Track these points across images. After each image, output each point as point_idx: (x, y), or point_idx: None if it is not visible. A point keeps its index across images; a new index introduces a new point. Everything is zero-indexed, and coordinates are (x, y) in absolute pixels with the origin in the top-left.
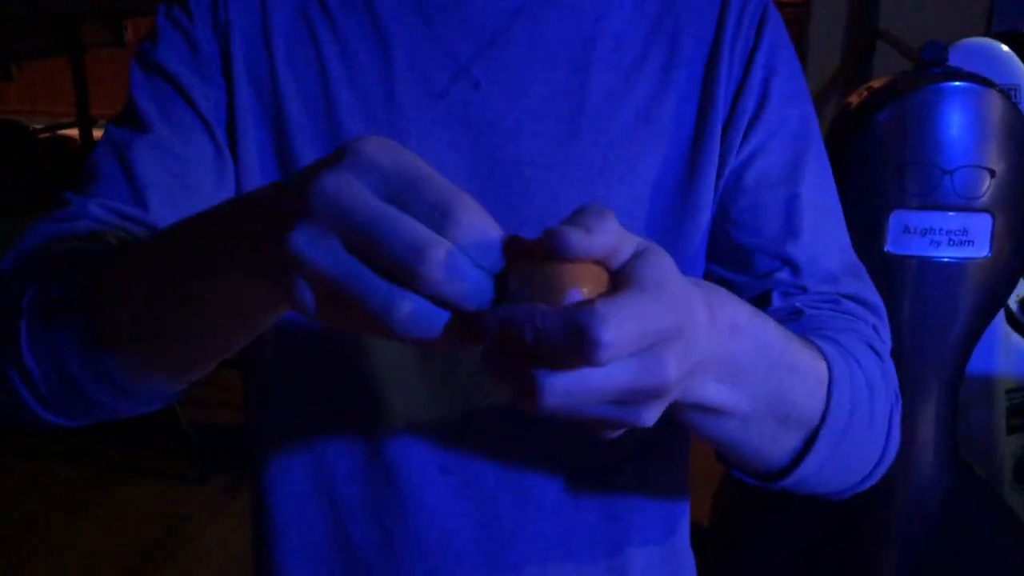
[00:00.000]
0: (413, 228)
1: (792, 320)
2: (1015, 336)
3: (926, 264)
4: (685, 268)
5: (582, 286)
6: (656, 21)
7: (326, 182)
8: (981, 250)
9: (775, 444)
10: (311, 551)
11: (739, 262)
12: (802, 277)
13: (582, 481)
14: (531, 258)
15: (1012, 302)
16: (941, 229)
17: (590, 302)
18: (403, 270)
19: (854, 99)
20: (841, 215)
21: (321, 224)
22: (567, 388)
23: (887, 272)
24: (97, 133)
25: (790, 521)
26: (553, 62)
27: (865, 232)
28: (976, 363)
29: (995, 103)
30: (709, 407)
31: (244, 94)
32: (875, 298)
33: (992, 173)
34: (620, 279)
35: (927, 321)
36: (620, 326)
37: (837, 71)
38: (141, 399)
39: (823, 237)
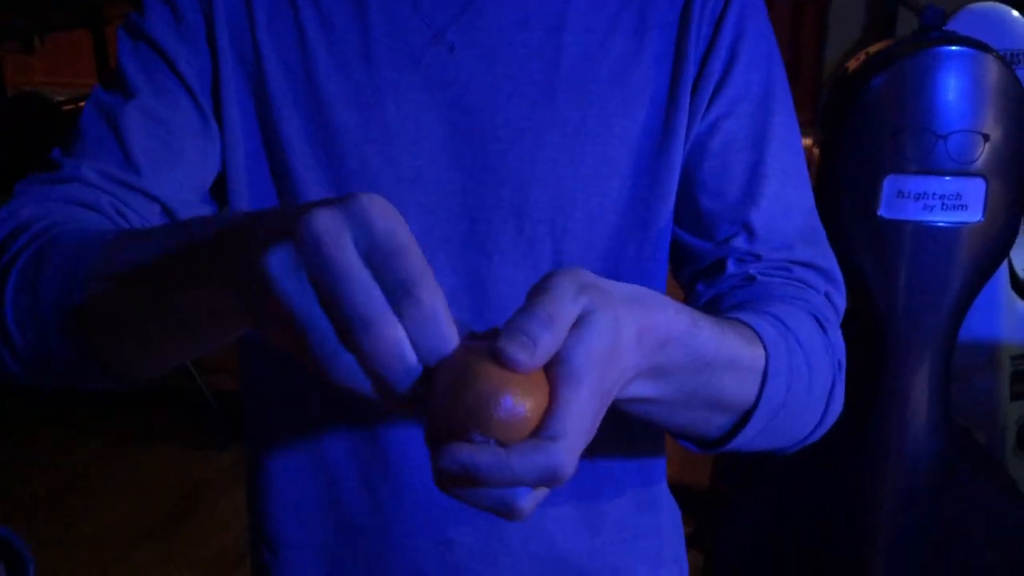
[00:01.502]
0: (373, 299)
1: (744, 286)
2: (1020, 303)
3: (920, 228)
4: (659, 232)
5: (515, 393)
6: None
7: (319, 218)
8: (975, 214)
9: (705, 423)
10: (301, 506)
11: (701, 226)
12: (757, 244)
13: None
14: (464, 355)
15: (1020, 269)
16: (935, 194)
17: (549, 437)
18: (349, 332)
19: (852, 64)
20: (806, 178)
21: (299, 256)
22: (537, 498)
23: (881, 237)
24: None
25: (785, 488)
26: (527, 25)
27: (859, 196)
28: (980, 330)
29: (990, 67)
30: (631, 400)
31: (228, 61)
32: (829, 263)
33: (986, 137)
34: (555, 368)
35: (921, 285)
36: (576, 446)
37: (859, 40)
38: (108, 379)
39: (784, 202)
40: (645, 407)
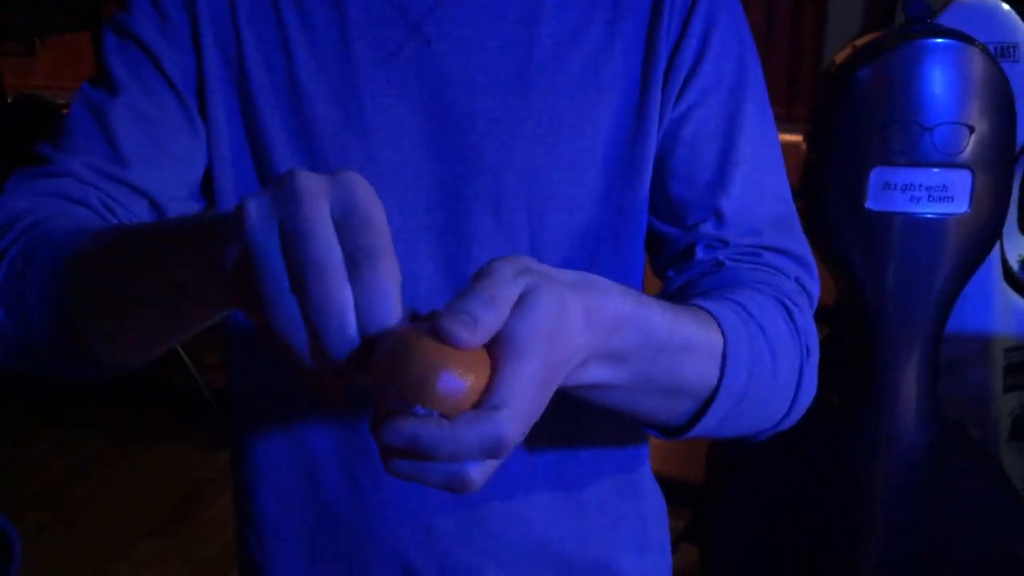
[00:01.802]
0: (332, 254)
1: (714, 272)
2: (1013, 295)
3: (906, 220)
4: (635, 221)
5: (456, 367)
6: None
7: (304, 176)
8: (961, 206)
9: (667, 410)
10: (283, 492)
11: (672, 213)
12: (726, 230)
13: (541, 422)
14: (406, 333)
15: (1013, 261)
16: (921, 185)
17: (492, 407)
18: (298, 276)
19: (839, 57)
20: (779, 165)
21: (275, 204)
22: (487, 470)
23: (868, 229)
24: None
25: (778, 481)
26: (502, 18)
27: (846, 189)
28: (973, 322)
29: (976, 60)
30: (593, 386)
31: (212, 59)
32: (801, 249)
33: (972, 129)
34: (498, 344)
35: (908, 277)
36: (519, 417)
37: (857, 36)
38: (92, 366)
39: (754, 188)
40: (604, 393)
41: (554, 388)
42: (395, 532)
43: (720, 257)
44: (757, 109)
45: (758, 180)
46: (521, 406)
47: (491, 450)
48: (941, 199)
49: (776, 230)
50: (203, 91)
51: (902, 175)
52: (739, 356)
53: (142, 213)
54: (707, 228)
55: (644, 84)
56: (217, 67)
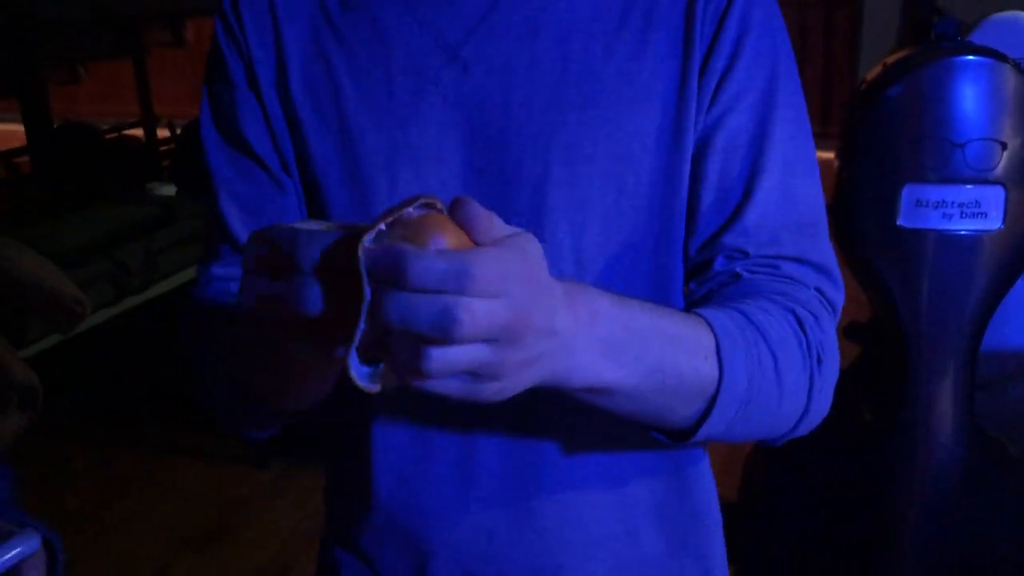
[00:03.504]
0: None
1: (731, 283)
2: None
3: (939, 237)
4: (675, 227)
5: (449, 238)
6: None
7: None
8: (994, 222)
9: (672, 413)
10: (347, 501)
11: (697, 222)
12: (746, 239)
13: (591, 423)
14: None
15: None
16: (954, 202)
17: (462, 252)
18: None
19: (870, 75)
20: (813, 171)
21: None
22: (478, 322)
23: (901, 246)
24: (160, 132)
25: (811, 496)
26: (535, 36)
27: (878, 206)
28: (1013, 339)
29: (1007, 76)
30: (595, 388)
31: (271, 102)
32: (822, 258)
33: (1004, 146)
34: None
35: (942, 294)
36: (488, 265)
37: (893, 51)
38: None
39: (781, 195)
40: (611, 399)
41: (535, 340)
42: (454, 537)
43: (738, 269)
44: (790, 114)
45: (785, 186)
46: (488, 275)
47: (456, 283)
48: (974, 215)
49: (797, 238)
50: (276, 142)
51: (934, 192)
52: (735, 357)
53: None
54: (728, 238)
55: (680, 91)
56: (275, 107)
